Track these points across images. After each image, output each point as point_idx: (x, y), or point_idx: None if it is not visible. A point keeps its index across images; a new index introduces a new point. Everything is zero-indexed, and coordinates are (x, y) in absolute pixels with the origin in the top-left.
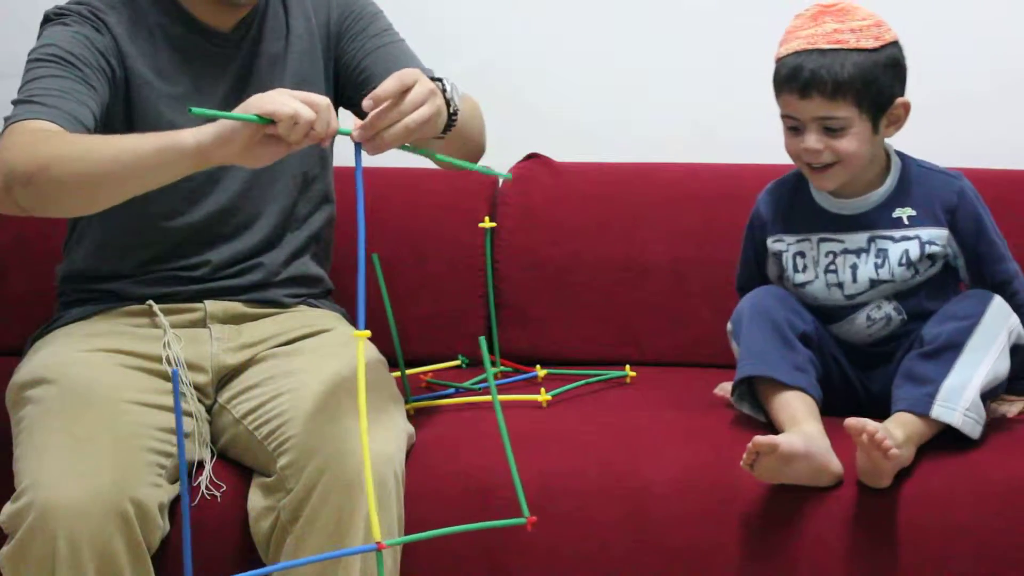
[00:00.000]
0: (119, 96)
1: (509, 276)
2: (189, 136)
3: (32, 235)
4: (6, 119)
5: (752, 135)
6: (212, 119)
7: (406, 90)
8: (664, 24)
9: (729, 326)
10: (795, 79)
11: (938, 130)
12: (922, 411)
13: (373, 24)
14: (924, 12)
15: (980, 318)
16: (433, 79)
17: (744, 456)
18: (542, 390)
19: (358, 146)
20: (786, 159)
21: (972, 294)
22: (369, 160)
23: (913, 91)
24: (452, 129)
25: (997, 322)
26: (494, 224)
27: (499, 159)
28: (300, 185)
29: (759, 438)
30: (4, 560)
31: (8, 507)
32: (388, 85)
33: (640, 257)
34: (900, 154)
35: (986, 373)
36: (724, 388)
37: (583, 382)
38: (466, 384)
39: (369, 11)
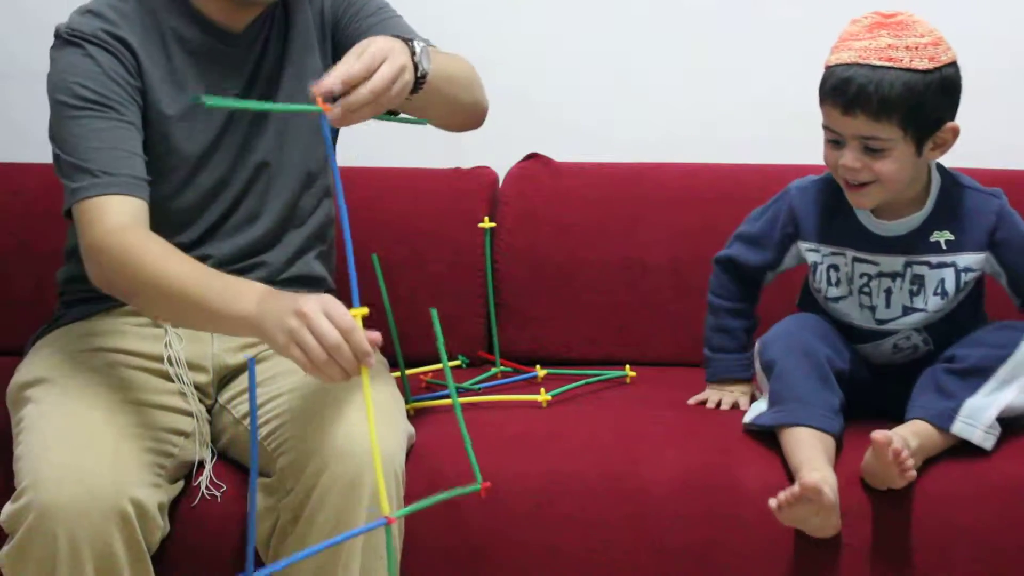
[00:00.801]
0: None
1: (509, 276)
2: (252, 307)
3: (33, 236)
4: (69, 190)
5: (752, 135)
6: (229, 108)
7: (374, 69)
8: (665, 24)
9: (757, 345)
10: (841, 93)
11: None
12: (943, 425)
13: (368, 4)
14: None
15: (1014, 349)
16: (405, 39)
17: (784, 495)
18: (542, 390)
19: (325, 120)
20: (786, 159)
21: (1008, 325)
22: (369, 160)
23: None
24: (419, 91)
25: None
26: (493, 224)
27: (499, 159)
28: (303, 180)
29: (810, 482)
30: (4, 560)
31: (8, 507)
32: (356, 67)
33: (640, 257)
34: (941, 170)
35: (1008, 401)
36: (698, 400)
37: (583, 382)
38: (465, 384)
39: None
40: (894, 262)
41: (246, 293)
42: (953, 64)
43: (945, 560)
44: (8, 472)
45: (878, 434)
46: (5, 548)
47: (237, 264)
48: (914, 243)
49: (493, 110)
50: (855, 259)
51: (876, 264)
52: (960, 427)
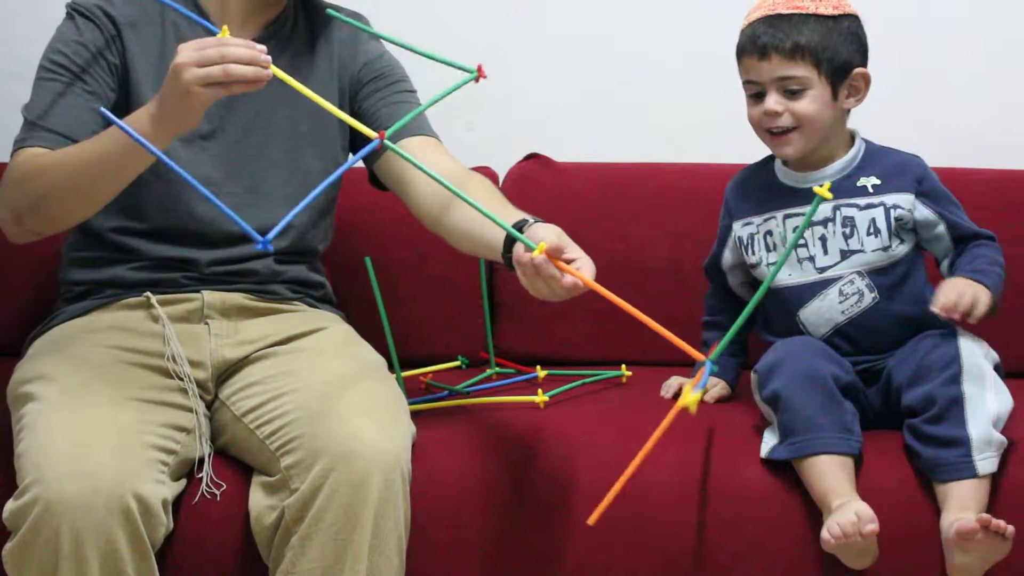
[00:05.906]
0: (120, 85)
1: (509, 276)
2: (149, 105)
3: None
4: (16, 140)
5: (752, 135)
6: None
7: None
8: (665, 24)
9: (754, 378)
10: (754, 42)
11: (931, 126)
12: (971, 474)
13: (399, 82)
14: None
15: (958, 361)
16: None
17: (841, 537)
18: (539, 391)
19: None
20: None
21: (933, 343)
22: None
23: (909, 88)
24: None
25: (976, 358)
26: None
27: (499, 159)
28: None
29: (873, 527)
30: (7, 556)
31: (11, 503)
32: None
33: (640, 257)
34: (866, 140)
35: (996, 411)
36: (669, 386)
37: (579, 383)
38: (459, 387)
39: (398, 72)
40: (823, 209)
41: (136, 114)
42: (856, 17)
43: (943, 560)
44: (8, 471)
45: (959, 532)
46: (8, 544)
47: (225, 266)
48: (841, 188)
49: (493, 110)
50: (786, 216)
51: (806, 214)
52: (984, 465)
